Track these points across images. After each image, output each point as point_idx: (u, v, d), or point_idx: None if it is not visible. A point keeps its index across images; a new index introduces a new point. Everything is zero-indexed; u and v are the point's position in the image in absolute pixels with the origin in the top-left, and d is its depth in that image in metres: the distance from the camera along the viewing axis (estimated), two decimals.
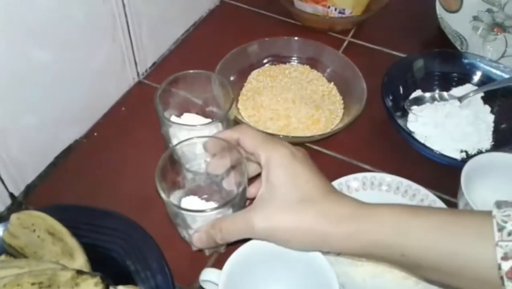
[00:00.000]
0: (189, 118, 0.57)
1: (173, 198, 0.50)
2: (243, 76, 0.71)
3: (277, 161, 0.44)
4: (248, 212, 0.44)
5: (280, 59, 0.73)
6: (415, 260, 0.40)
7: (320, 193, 0.43)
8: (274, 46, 0.72)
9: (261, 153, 0.45)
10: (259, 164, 0.46)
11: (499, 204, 0.38)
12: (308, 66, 0.73)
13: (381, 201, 0.56)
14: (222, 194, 0.53)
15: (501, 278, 0.35)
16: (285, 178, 0.43)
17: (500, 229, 0.36)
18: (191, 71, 0.57)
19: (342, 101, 0.69)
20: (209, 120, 0.56)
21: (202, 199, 0.51)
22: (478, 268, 0.37)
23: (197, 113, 0.58)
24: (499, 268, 0.35)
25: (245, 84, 0.70)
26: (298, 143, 0.64)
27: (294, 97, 0.67)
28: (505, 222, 0.36)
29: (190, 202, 0.51)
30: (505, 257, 0.35)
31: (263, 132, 0.62)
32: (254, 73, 0.71)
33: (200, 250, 0.52)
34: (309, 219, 0.41)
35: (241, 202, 0.49)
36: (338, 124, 0.65)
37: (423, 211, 0.41)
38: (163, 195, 0.46)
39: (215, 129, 0.53)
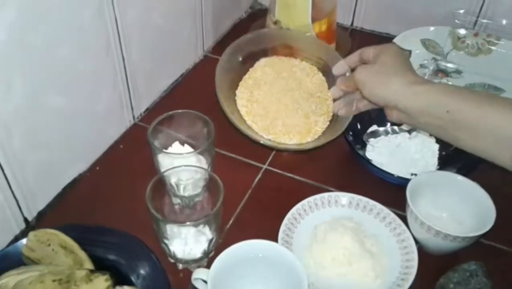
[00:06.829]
0: (178, 148, 0.68)
1: None
2: (252, 59, 0.70)
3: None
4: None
5: (292, 52, 0.71)
6: (455, 118, 0.54)
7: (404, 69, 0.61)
8: (289, 35, 0.69)
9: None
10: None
11: None
12: (315, 68, 0.73)
13: (341, 216, 0.67)
14: (195, 217, 0.64)
15: None
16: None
17: None
18: (180, 110, 0.68)
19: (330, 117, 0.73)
20: (192, 150, 0.67)
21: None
22: (506, 133, 0.50)
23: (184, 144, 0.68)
24: None
25: (250, 69, 0.70)
26: (272, 147, 0.72)
27: (288, 101, 0.69)
28: None
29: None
30: None
31: (248, 128, 0.69)
32: (262, 61, 0.71)
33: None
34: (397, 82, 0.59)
35: (217, 219, 0.59)
36: (314, 142, 0.72)
37: (467, 90, 0.61)
38: (153, 211, 0.56)
39: (196, 159, 0.64)
